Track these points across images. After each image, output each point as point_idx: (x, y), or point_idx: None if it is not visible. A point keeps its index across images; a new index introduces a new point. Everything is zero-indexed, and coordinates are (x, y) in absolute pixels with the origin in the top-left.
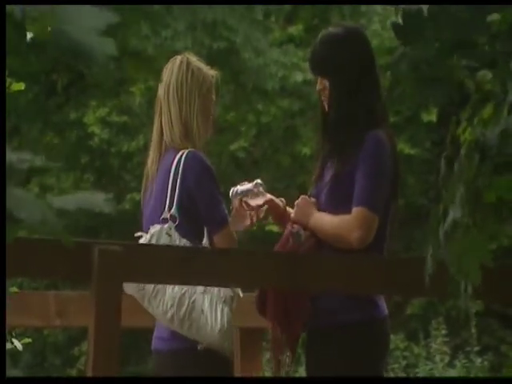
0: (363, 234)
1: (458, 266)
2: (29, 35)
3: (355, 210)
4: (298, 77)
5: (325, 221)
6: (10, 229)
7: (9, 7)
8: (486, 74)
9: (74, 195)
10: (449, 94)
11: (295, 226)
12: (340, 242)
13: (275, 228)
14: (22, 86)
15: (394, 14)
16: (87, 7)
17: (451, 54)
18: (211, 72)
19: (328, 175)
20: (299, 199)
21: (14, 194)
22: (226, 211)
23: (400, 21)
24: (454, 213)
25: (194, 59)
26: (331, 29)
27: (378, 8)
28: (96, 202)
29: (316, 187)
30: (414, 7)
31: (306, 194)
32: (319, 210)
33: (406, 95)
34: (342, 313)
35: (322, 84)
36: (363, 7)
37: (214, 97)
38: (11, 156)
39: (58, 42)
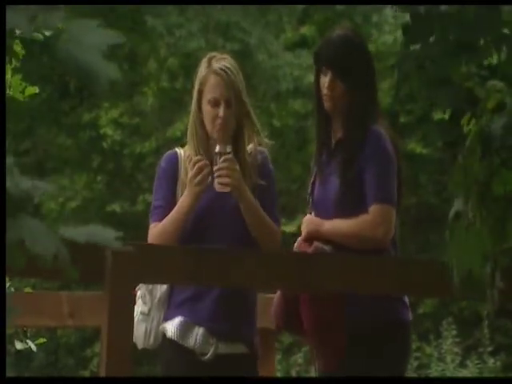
0: (387, 228)
1: (460, 258)
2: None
3: (374, 207)
4: (312, 77)
5: (341, 226)
6: (20, 256)
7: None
8: (496, 84)
9: (86, 227)
10: (457, 98)
11: (316, 243)
12: (365, 242)
13: (288, 228)
14: (35, 89)
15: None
16: (93, 24)
17: (456, 54)
18: (204, 71)
19: (332, 179)
20: (305, 217)
21: (28, 224)
22: (156, 209)
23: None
24: (457, 205)
25: (208, 57)
26: (346, 32)
27: (390, 18)
28: (106, 237)
29: (318, 192)
30: (423, 8)
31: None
32: (327, 217)
33: (413, 94)
34: (382, 313)
35: (335, 83)
36: (375, 17)
37: (206, 96)
38: (26, 183)
39: (64, 62)
